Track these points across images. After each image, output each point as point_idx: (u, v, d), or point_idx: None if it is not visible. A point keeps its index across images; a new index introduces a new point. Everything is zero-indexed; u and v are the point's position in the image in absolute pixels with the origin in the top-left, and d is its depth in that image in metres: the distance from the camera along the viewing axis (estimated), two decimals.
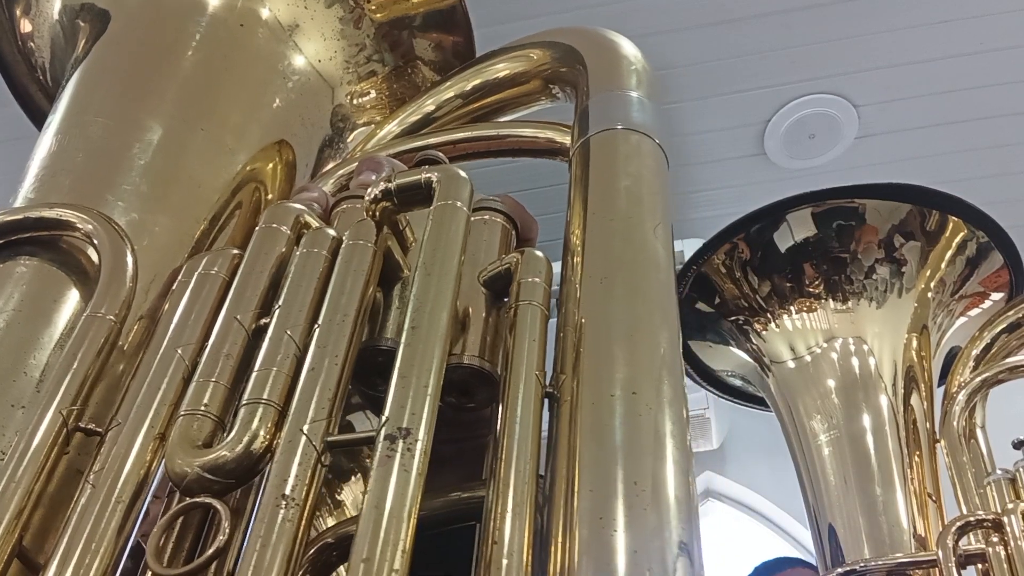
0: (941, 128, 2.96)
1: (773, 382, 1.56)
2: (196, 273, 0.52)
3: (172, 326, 0.50)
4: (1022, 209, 3.09)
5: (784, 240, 1.51)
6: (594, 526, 0.40)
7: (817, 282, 1.51)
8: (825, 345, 1.49)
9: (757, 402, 1.73)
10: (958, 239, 1.47)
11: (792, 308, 1.53)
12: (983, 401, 1.30)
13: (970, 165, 3.05)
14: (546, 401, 0.47)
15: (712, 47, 2.75)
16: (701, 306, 1.64)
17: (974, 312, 1.51)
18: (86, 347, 0.52)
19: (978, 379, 1.30)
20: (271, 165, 0.76)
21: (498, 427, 0.45)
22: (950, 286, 1.49)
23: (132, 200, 0.67)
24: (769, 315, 1.55)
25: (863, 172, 3.04)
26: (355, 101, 0.90)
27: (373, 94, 0.91)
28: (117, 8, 0.80)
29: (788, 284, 1.53)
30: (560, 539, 0.40)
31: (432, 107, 0.75)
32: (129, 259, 0.56)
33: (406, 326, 0.45)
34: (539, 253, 0.54)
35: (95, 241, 0.57)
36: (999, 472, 1.19)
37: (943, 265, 1.47)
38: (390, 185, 0.52)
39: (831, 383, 1.47)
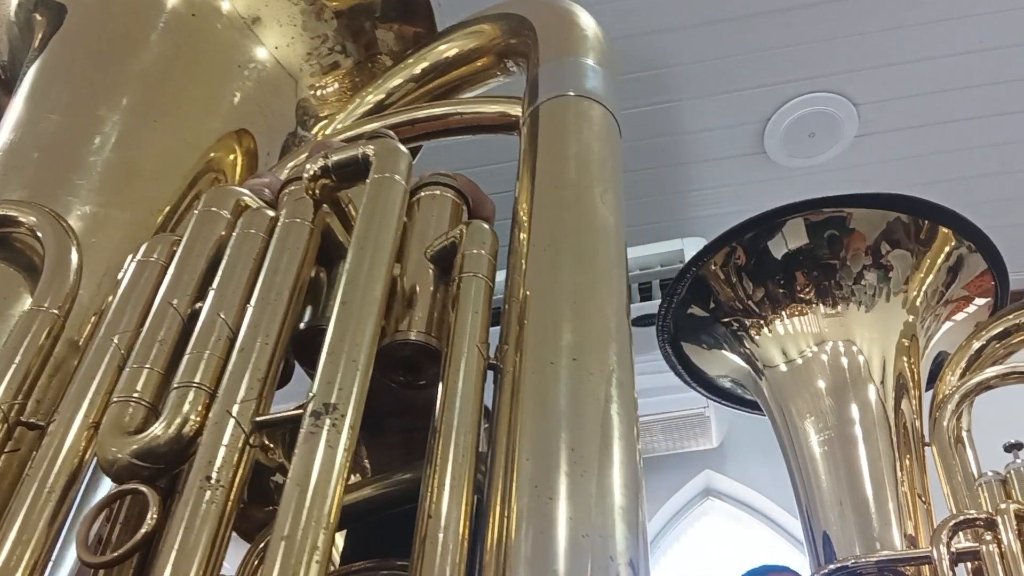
0: (941, 126, 2.93)
1: (766, 385, 1.57)
2: (136, 260, 0.51)
3: (109, 315, 0.49)
4: (1021, 207, 3.06)
5: (777, 247, 1.53)
6: (531, 495, 0.39)
7: (809, 288, 1.52)
8: (817, 349, 1.51)
9: (750, 406, 1.74)
10: (947, 248, 1.48)
11: (784, 313, 1.54)
12: (969, 407, 1.33)
13: (970, 163, 3.02)
14: (491, 375, 0.47)
15: (712, 45, 2.73)
16: (695, 310, 1.65)
17: (959, 317, 1.53)
18: (28, 341, 0.51)
19: (973, 382, 1.32)
20: (231, 156, 0.75)
21: (438, 402, 0.44)
22: (937, 292, 1.50)
23: (87, 195, 0.66)
24: (762, 320, 1.57)
25: (863, 171, 3.02)
26: (319, 93, 0.89)
27: (337, 86, 0.90)
28: (73, 2, 0.79)
29: (780, 290, 1.54)
30: (498, 510, 0.39)
31: (382, 95, 0.74)
32: (73, 253, 0.56)
33: (336, 301, 0.44)
34: (485, 225, 0.52)
35: (39, 235, 0.56)
36: (990, 474, 1.22)
37: (932, 272, 1.49)
38: (327, 162, 0.51)
39: (823, 386, 1.48)
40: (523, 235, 0.51)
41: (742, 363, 1.62)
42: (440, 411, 0.43)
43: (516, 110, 0.64)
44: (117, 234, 0.65)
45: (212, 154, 0.73)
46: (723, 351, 1.66)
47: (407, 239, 0.53)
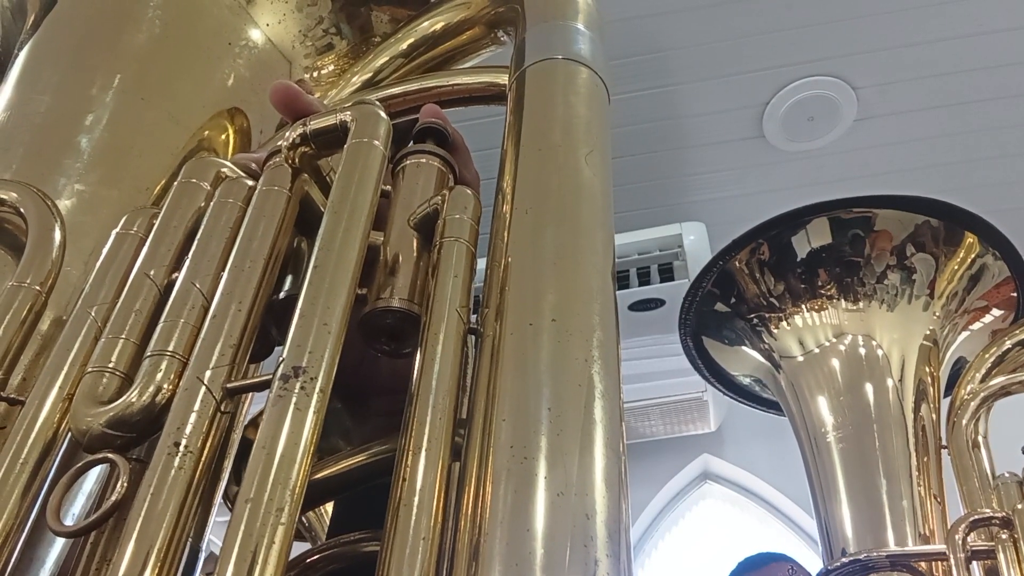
0: (940, 110, 2.90)
1: (784, 379, 1.58)
2: (114, 233, 0.51)
3: (86, 288, 0.48)
4: (1020, 191, 3.02)
5: (801, 244, 1.53)
6: (508, 455, 0.38)
7: (831, 286, 1.53)
8: (839, 346, 1.51)
9: (770, 406, 1.73)
10: (973, 255, 1.49)
11: (807, 311, 1.55)
12: (986, 413, 1.34)
13: (969, 147, 2.99)
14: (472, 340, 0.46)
15: (711, 28, 2.71)
16: (718, 305, 1.66)
17: (976, 325, 1.54)
18: (10, 317, 0.51)
19: (994, 385, 1.33)
20: (223, 134, 0.75)
21: (416, 367, 0.43)
22: (960, 298, 1.51)
23: (75, 175, 0.66)
24: (783, 316, 1.58)
25: (862, 154, 2.99)
26: (315, 75, 0.88)
27: (332, 68, 0.89)
28: None
29: (802, 286, 1.55)
30: (474, 472, 0.38)
31: (370, 74, 0.73)
32: (56, 230, 0.55)
33: (310, 266, 0.43)
34: (467, 190, 0.51)
35: (22, 212, 0.56)
36: (1007, 475, 1.23)
37: (956, 278, 1.50)
38: (306, 129, 0.50)
39: (842, 383, 1.49)
40: (506, 200, 0.50)
41: (761, 359, 1.63)
42: (418, 375, 0.42)
43: (503, 79, 0.63)
44: (105, 212, 0.64)
45: (203, 132, 0.73)
46: (743, 345, 1.66)
47: (391, 208, 0.52)
